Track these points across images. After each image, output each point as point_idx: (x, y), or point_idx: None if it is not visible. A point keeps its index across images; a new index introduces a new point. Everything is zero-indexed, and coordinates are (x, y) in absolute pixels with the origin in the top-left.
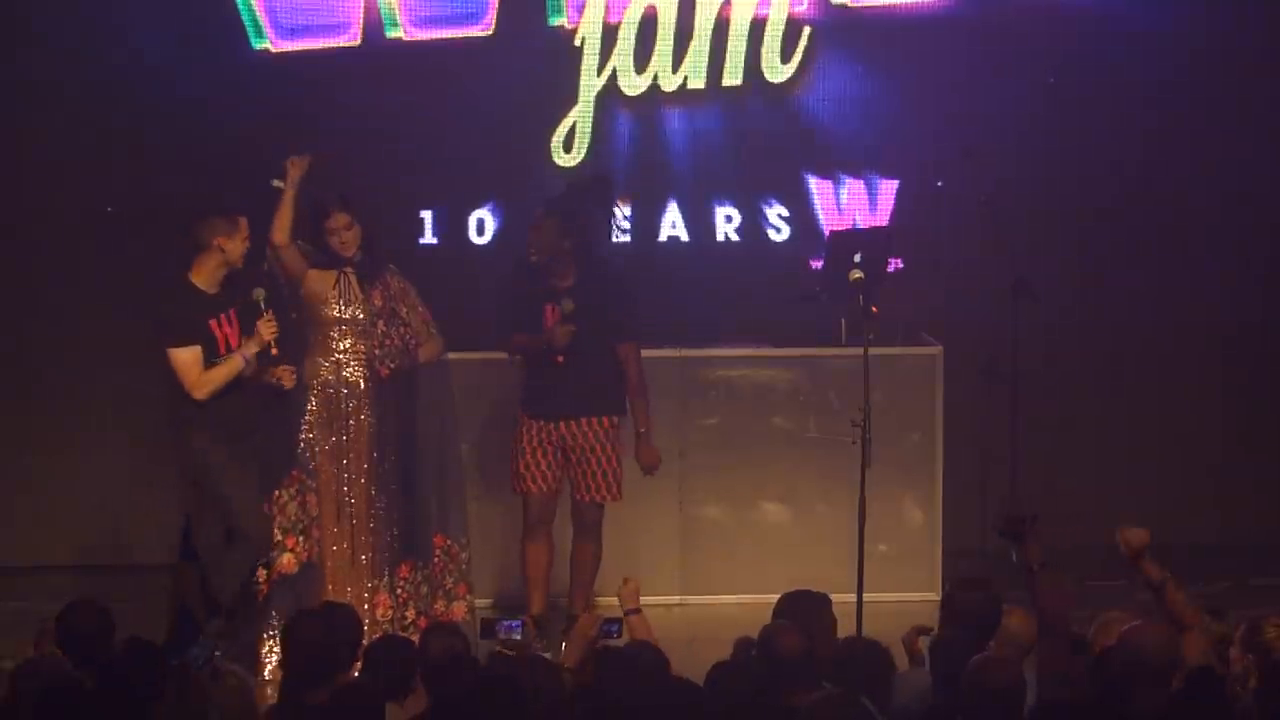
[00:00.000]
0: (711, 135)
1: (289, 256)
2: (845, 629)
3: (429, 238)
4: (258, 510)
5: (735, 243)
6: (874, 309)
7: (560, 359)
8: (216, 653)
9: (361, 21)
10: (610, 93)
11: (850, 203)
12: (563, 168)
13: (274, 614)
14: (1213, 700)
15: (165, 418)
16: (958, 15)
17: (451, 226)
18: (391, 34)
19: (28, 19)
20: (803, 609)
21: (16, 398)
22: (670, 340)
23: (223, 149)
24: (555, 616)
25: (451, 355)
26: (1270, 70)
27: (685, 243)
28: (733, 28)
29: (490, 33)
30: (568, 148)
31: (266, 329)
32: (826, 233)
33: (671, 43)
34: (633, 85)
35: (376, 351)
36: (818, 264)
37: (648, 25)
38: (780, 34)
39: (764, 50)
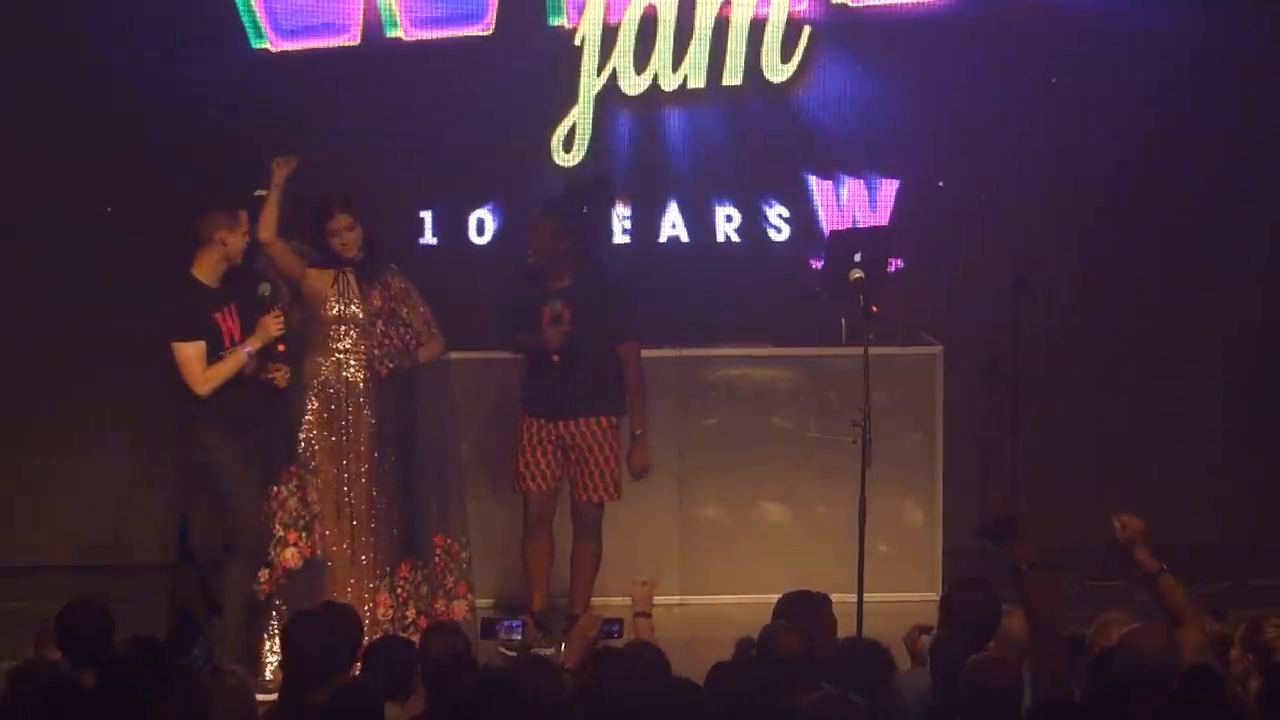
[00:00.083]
0: (712, 135)
1: (278, 253)
2: (845, 629)
3: (429, 238)
4: (258, 509)
5: (735, 243)
6: (874, 309)
7: (555, 359)
8: (216, 650)
9: (361, 21)
10: (610, 93)
11: (850, 202)
12: (563, 168)
13: (274, 614)
14: (1210, 699)
15: (171, 414)
16: (958, 15)
17: (451, 226)
18: (391, 34)
19: (27, 19)
20: (802, 609)
21: (16, 398)
22: (670, 340)
23: (223, 149)
24: (556, 615)
25: (452, 355)
26: (1270, 70)
27: (685, 243)
28: (733, 27)
29: (490, 33)
30: (568, 148)
31: (274, 325)
32: (827, 233)
33: (671, 42)
34: (633, 85)
35: (375, 351)
36: (818, 264)
37: (648, 25)
38: (780, 34)
39: (764, 50)
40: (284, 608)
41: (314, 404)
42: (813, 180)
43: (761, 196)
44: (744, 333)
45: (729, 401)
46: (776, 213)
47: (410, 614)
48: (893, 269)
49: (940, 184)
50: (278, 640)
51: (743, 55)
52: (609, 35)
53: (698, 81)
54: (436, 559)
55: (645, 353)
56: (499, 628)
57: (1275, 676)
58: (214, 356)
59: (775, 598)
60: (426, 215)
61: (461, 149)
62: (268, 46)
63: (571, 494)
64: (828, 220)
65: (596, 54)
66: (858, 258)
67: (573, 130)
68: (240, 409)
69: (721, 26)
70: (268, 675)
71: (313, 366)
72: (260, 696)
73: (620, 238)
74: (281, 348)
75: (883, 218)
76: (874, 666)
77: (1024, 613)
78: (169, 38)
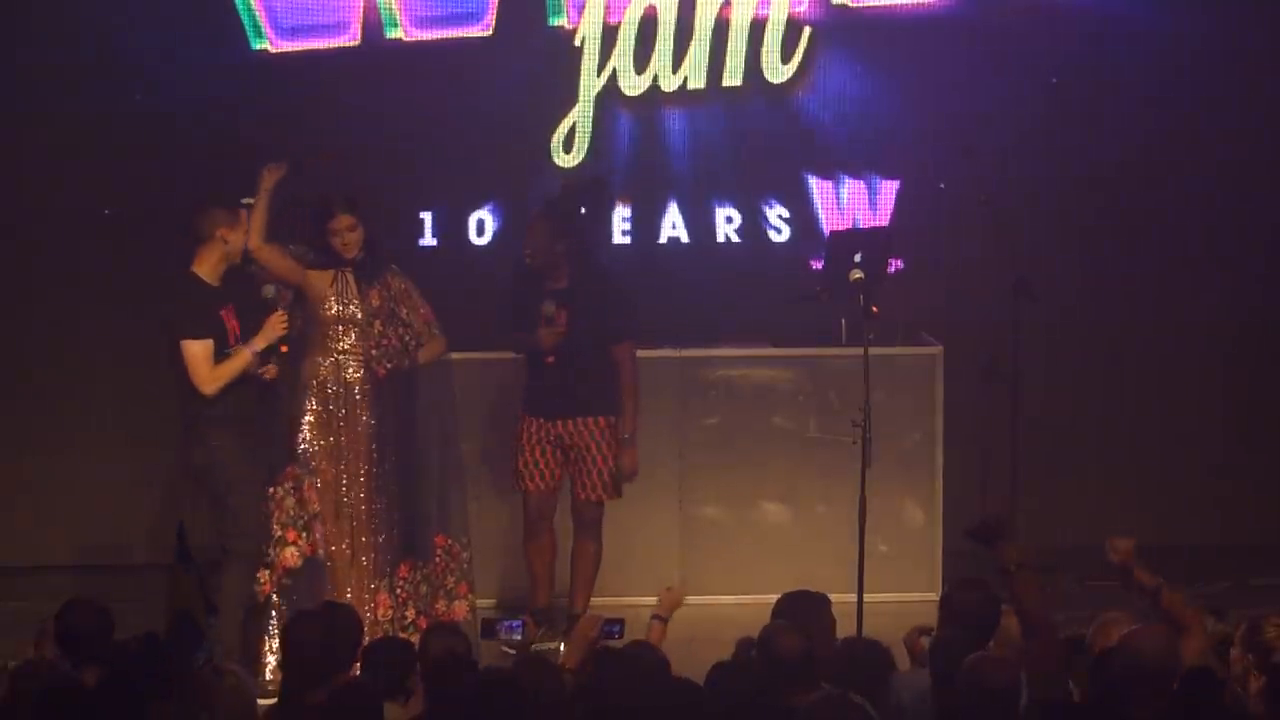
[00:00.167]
0: (712, 136)
1: (268, 259)
2: (845, 629)
3: (429, 238)
4: (257, 511)
5: (735, 243)
6: (874, 309)
7: (550, 360)
8: (216, 651)
9: (361, 21)
10: (610, 93)
11: (851, 203)
12: (563, 168)
13: (274, 614)
14: (1209, 700)
15: (171, 414)
16: (958, 15)
17: (451, 227)
18: (391, 34)
19: (27, 19)
20: (801, 609)
21: (16, 398)
22: (670, 340)
23: (223, 149)
24: (559, 613)
25: (452, 355)
26: (1270, 70)
27: (685, 243)
28: (733, 28)
29: (490, 33)
30: (568, 148)
31: (279, 325)
32: (827, 233)
33: (671, 43)
34: (633, 85)
35: (373, 352)
36: (818, 264)
37: (648, 25)
38: (780, 34)
39: (764, 50)
40: (284, 608)
41: (313, 404)
42: (813, 181)
43: (761, 197)
44: (744, 333)
45: (729, 401)
46: (776, 213)
47: (410, 614)
48: (893, 269)
49: (941, 185)
50: (277, 640)
51: (743, 56)
52: (609, 35)
53: (698, 82)
54: (437, 559)
55: (645, 353)
56: (499, 628)
57: (1277, 676)
58: (220, 355)
59: (775, 598)
60: (426, 216)
61: (461, 149)
62: (267, 47)
63: (571, 493)
64: (828, 221)
65: (596, 54)
66: (858, 258)
67: (573, 130)
68: (245, 409)
69: (721, 27)
70: (267, 675)
71: (312, 367)
72: (261, 701)
73: (620, 238)
74: (284, 349)
75: (883, 218)
76: (874, 666)
77: (1015, 613)
78: (169, 38)
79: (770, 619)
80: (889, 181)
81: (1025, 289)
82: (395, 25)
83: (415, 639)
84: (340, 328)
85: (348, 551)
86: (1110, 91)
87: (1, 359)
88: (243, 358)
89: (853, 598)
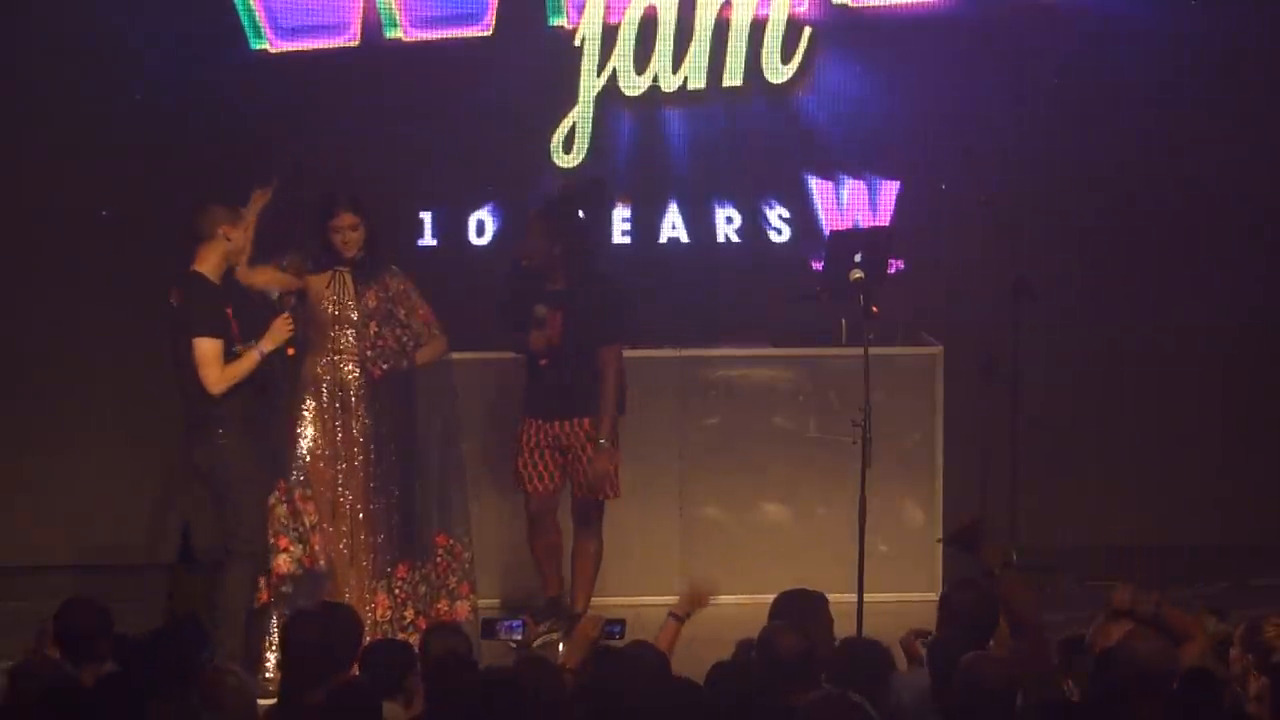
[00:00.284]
0: (712, 136)
1: (260, 281)
2: (845, 629)
3: (428, 239)
4: (260, 512)
5: (735, 243)
6: (874, 309)
7: (543, 362)
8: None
9: (360, 22)
10: (610, 93)
11: (851, 203)
12: (563, 168)
13: (274, 615)
14: (1209, 701)
15: (171, 414)
16: (958, 15)
17: (451, 227)
18: (391, 34)
19: (27, 19)
20: (798, 608)
21: (16, 398)
22: (670, 340)
23: (222, 149)
24: (566, 605)
25: (452, 355)
26: (1270, 70)
27: (685, 244)
28: (733, 28)
29: (490, 33)
30: (568, 148)
31: (285, 329)
32: (827, 233)
33: (671, 43)
34: (633, 86)
35: (369, 353)
36: (818, 265)
37: (648, 25)
38: (781, 34)
39: (764, 51)
40: (285, 613)
41: (311, 404)
42: (813, 181)
43: (762, 197)
44: (744, 333)
45: (729, 401)
46: (777, 214)
47: (409, 614)
48: (893, 270)
49: (943, 187)
50: (278, 640)
51: (743, 56)
52: (609, 36)
53: (698, 82)
54: (439, 559)
55: (645, 353)
56: (499, 628)
57: (1279, 676)
58: (226, 354)
59: (775, 597)
60: (426, 216)
61: (461, 149)
62: (267, 47)
63: (571, 492)
64: (828, 221)
65: (596, 54)
66: (858, 258)
67: (572, 131)
68: (248, 409)
69: (722, 27)
70: (268, 675)
71: (310, 366)
72: (261, 701)
73: (620, 238)
74: (290, 351)
75: (883, 219)
76: (873, 666)
77: (1003, 614)
78: (168, 37)
79: (768, 618)
80: (889, 182)
81: (1025, 289)
82: (395, 25)
83: (414, 639)
84: (337, 328)
85: (346, 552)
86: (1110, 91)
87: (1, 359)
88: (251, 359)
89: (853, 598)
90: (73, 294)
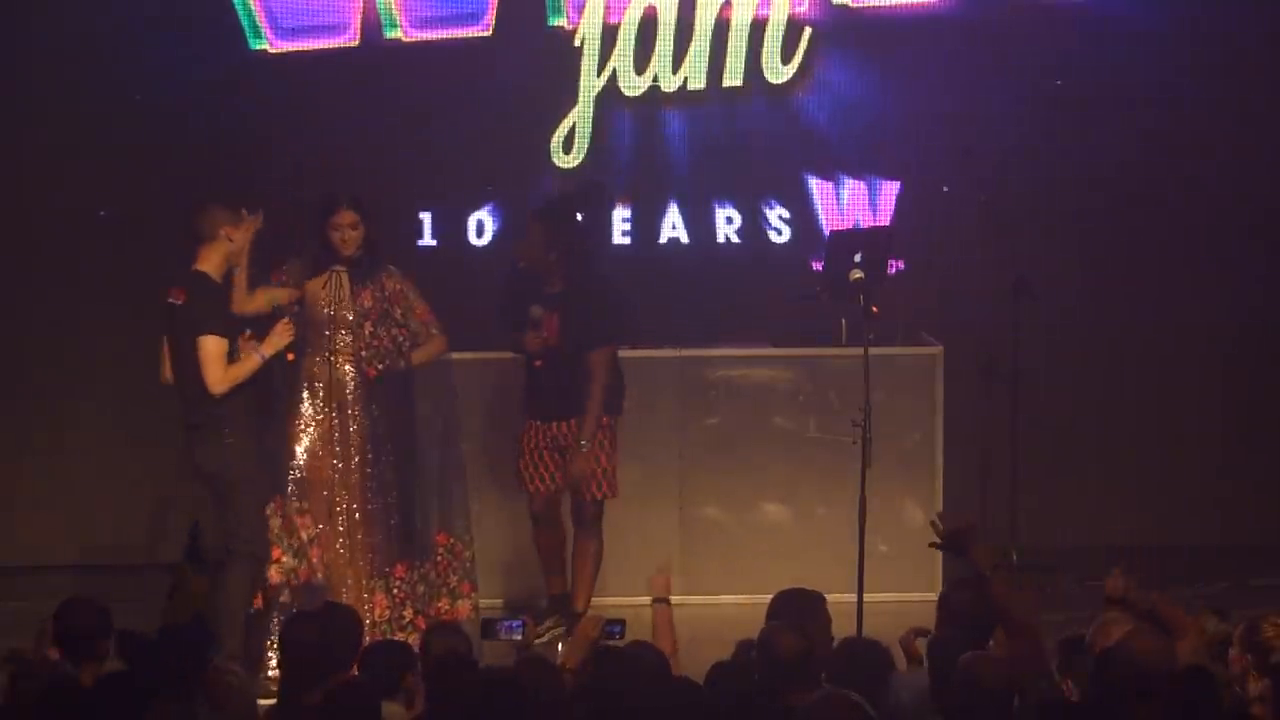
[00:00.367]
0: (712, 136)
1: (252, 306)
2: (845, 629)
3: (428, 239)
4: (262, 513)
5: (735, 244)
6: (874, 309)
7: (538, 364)
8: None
9: (360, 22)
10: (610, 93)
11: (851, 203)
12: (563, 168)
13: (275, 615)
14: (1208, 700)
15: (170, 414)
16: (958, 15)
17: (451, 227)
18: (390, 34)
19: (27, 19)
20: (795, 607)
21: (16, 398)
22: (670, 340)
23: (222, 150)
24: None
25: (452, 355)
26: (1270, 70)
27: (686, 244)
28: (733, 28)
29: (490, 33)
30: (567, 149)
31: (285, 334)
32: (827, 233)
33: (671, 43)
34: (632, 86)
35: (363, 353)
36: (818, 265)
37: (648, 26)
38: (781, 35)
39: (764, 51)
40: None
41: (307, 404)
42: (813, 181)
43: (762, 198)
44: (744, 333)
45: (729, 401)
46: (777, 214)
47: (407, 614)
48: (893, 270)
49: (945, 189)
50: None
51: (743, 56)
52: (609, 36)
53: (698, 83)
54: (439, 558)
55: (645, 353)
56: (499, 628)
57: (1276, 676)
58: (229, 357)
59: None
60: (426, 216)
61: (461, 150)
62: (266, 47)
63: (571, 492)
64: (828, 221)
65: (596, 55)
66: (858, 258)
67: (572, 131)
68: (249, 409)
69: (722, 27)
70: (268, 675)
71: (307, 366)
72: (262, 701)
73: (620, 239)
74: (290, 357)
75: (883, 219)
76: (873, 666)
77: (997, 615)
78: (168, 38)
79: (765, 618)
80: (889, 182)
81: (1025, 289)
82: (394, 26)
83: (413, 639)
84: (333, 328)
85: (343, 552)
86: (1110, 91)
87: (1, 359)
88: (252, 362)
89: (853, 598)
90: (73, 294)
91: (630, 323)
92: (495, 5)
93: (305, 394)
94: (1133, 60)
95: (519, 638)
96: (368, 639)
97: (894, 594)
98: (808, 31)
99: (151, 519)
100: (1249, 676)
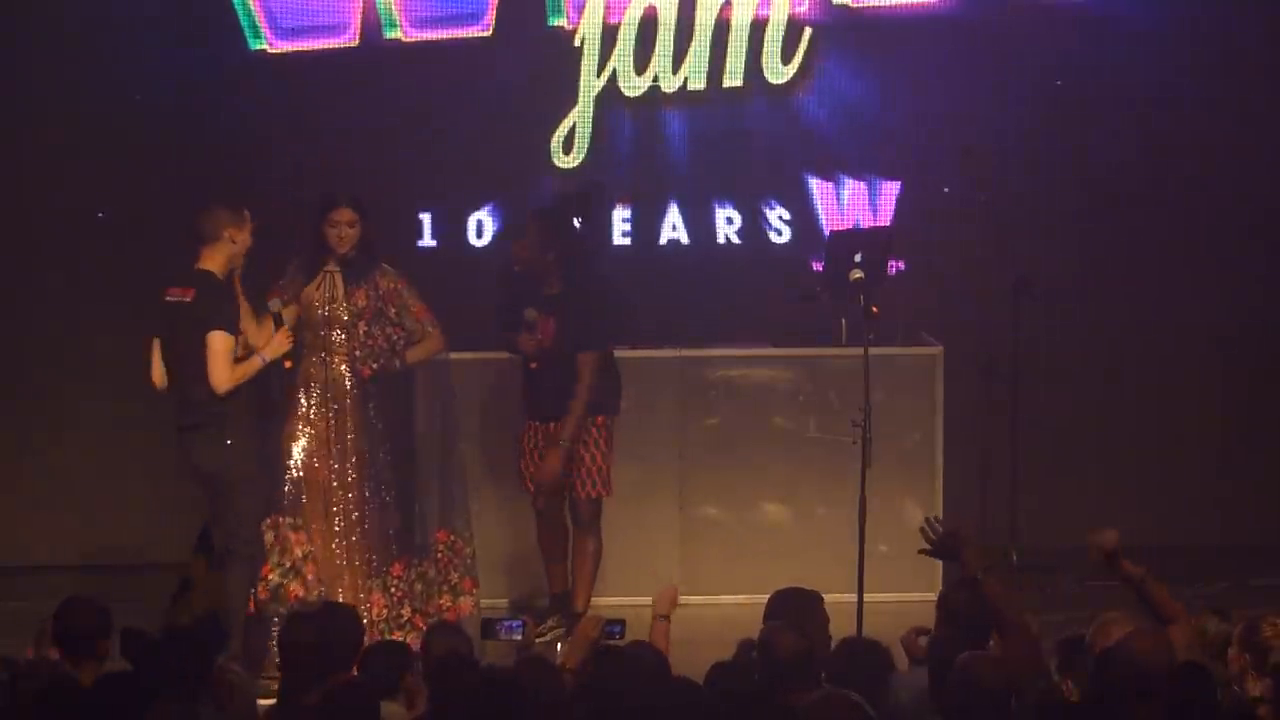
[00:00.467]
0: (712, 136)
1: (263, 339)
2: (845, 629)
3: (428, 239)
4: (260, 515)
5: (736, 244)
6: (874, 309)
7: (533, 365)
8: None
9: (360, 22)
10: (610, 93)
11: (851, 204)
12: (562, 169)
13: (275, 618)
14: (1206, 699)
15: (169, 414)
16: (959, 15)
17: (450, 228)
18: (390, 35)
19: (27, 19)
20: (793, 607)
21: (16, 398)
22: (670, 340)
23: (222, 150)
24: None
25: (451, 355)
26: (1270, 70)
27: (686, 244)
28: (733, 28)
29: (490, 33)
30: (567, 149)
31: (285, 341)
32: (827, 233)
33: (671, 44)
34: (633, 86)
35: (357, 352)
36: (818, 265)
37: (648, 26)
38: (781, 35)
39: (765, 51)
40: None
41: (304, 405)
42: (813, 182)
43: (762, 198)
44: (744, 333)
45: (729, 401)
46: (777, 214)
47: (405, 613)
48: (893, 270)
49: (946, 190)
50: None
51: (743, 56)
52: (609, 36)
53: (698, 83)
54: (440, 555)
55: (645, 353)
56: (499, 628)
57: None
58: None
59: None
60: (425, 217)
61: (461, 150)
62: (266, 47)
63: (569, 491)
64: (828, 221)
65: (596, 55)
66: (858, 258)
67: (572, 131)
68: (253, 414)
69: (722, 27)
70: (268, 675)
71: (304, 368)
72: (262, 701)
73: (620, 239)
74: (288, 364)
75: (883, 219)
76: (873, 666)
77: (991, 616)
78: (168, 38)
79: (763, 617)
80: (889, 182)
81: (1025, 289)
82: (394, 26)
83: (411, 638)
84: (327, 328)
85: (340, 552)
86: (1110, 91)
87: (1, 359)
88: (255, 363)
89: (853, 597)
90: (73, 294)
91: (628, 324)
92: (495, 5)
93: (302, 395)
94: (1133, 60)
95: (519, 638)
96: (366, 639)
97: (894, 594)
98: (808, 32)
99: (151, 519)
100: (1248, 676)
